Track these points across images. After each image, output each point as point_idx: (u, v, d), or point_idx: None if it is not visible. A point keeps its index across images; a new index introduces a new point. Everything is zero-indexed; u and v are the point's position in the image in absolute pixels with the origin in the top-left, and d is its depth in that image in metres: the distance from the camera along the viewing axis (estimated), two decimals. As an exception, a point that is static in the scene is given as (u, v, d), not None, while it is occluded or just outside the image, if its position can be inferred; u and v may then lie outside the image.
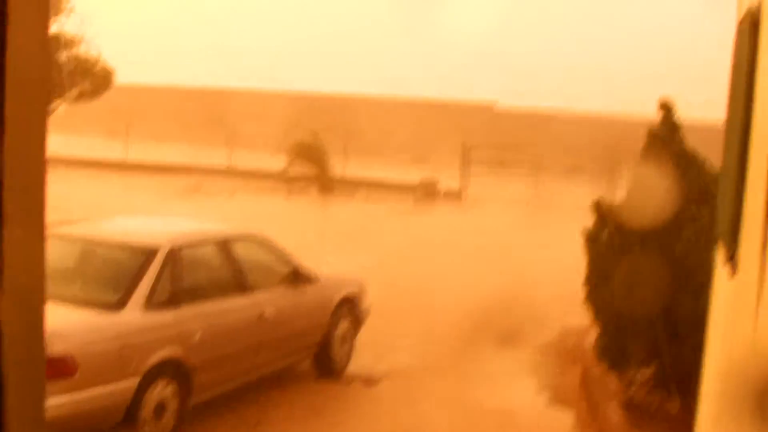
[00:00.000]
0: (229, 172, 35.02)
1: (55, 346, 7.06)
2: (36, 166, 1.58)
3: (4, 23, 1.47)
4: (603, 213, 9.83)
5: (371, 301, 11.69)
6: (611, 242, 9.65)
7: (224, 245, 9.88)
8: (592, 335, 10.62)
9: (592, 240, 9.90)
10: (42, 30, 1.58)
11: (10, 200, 1.50)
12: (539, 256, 19.04)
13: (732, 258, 4.84)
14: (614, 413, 9.17)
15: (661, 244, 9.14)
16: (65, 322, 7.65)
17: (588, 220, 10.00)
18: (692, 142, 9.77)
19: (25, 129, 1.54)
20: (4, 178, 1.48)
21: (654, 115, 9.94)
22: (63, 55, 25.11)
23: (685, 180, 9.39)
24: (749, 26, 4.77)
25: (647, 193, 9.55)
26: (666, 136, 9.72)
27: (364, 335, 11.55)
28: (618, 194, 10.62)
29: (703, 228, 8.83)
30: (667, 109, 9.85)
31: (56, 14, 24.52)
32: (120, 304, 8.23)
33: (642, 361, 9.33)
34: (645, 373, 9.43)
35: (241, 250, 10.06)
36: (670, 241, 9.12)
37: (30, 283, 1.58)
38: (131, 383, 7.93)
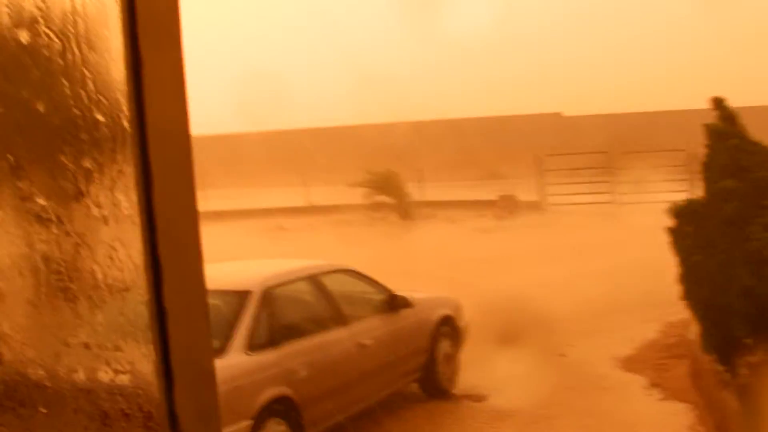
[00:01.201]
0: (307, 210, 35.22)
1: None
2: (189, 214, 1.60)
3: (140, 71, 1.50)
4: (681, 212, 9.83)
5: (468, 318, 11.65)
6: (694, 238, 9.62)
7: (315, 280, 9.94)
8: (693, 329, 10.50)
9: (677, 238, 9.87)
10: (178, 75, 1.61)
11: (165, 254, 1.52)
12: (627, 257, 18.82)
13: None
14: (730, 402, 9.02)
15: (739, 233, 9.05)
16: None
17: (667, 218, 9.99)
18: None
19: (174, 180, 1.57)
20: (158, 232, 1.50)
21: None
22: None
23: (753, 168, 9.34)
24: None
25: (722, 187, 9.49)
26: (725, 131, 9.69)
27: (467, 353, 11.51)
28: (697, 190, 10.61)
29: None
30: (719, 105, 9.84)
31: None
32: (221, 350, 8.29)
33: (749, 347, 9.21)
34: (754, 359, 9.29)
35: (332, 284, 10.12)
36: (743, 229, 9.05)
37: (195, 335, 1.60)
38: (244, 426, 7.99)
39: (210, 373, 1.65)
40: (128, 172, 1.51)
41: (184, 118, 1.61)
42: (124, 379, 1.54)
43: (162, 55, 1.55)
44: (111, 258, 1.54)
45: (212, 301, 9.11)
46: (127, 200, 1.51)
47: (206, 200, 34.61)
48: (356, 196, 32.55)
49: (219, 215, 35.24)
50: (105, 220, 1.52)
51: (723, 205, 9.22)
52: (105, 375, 1.55)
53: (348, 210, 32.54)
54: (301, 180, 38.54)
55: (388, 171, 32.66)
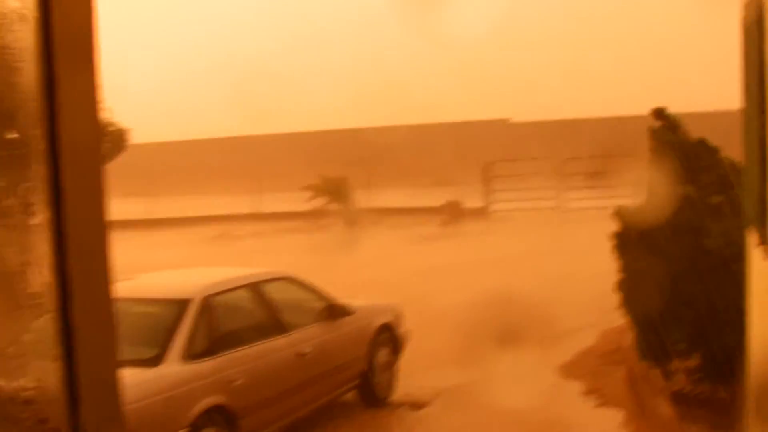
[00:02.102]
0: (254, 217, 35.13)
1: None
2: (98, 229, 1.59)
3: (54, 92, 1.49)
4: (627, 218, 9.88)
5: (409, 325, 11.69)
6: (639, 245, 9.68)
7: (256, 288, 9.91)
8: (630, 336, 10.61)
9: (621, 244, 9.93)
10: (92, 92, 1.60)
11: (74, 265, 1.52)
12: (570, 265, 18.97)
13: (764, 242, 4.82)
14: (663, 408, 9.14)
15: (689, 239, 9.16)
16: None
17: (612, 226, 10.04)
18: (703, 130, 9.85)
19: (83, 194, 1.56)
20: (69, 244, 1.50)
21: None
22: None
23: (701, 172, 9.44)
24: (756, 19, 4.78)
25: (665, 192, 9.59)
26: (668, 137, 9.79)
27: (405, 360, 11.54)
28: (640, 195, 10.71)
29: (729, 217, 8.86)
30: (661, 115, 9.95)
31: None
32: (158, 359, 8.25)
33: (684, 353, 9.33)
34: (689, 365, 9.42)
35: (273, 292, 10.09)
36: (698, 234, 9.15)
37: (101, 349, 1.59)
38: (179, 435, 7.95)
39: (114, 386, 1.65)
40: (40, 189, 1.50)
41: (96, 135, 1.61)
42: (31, 393, 1.54)
43: (77, 72, 1.55)
44: (22, 273, 1.54)
45: (152, 309, 9.10)
46: (37, 217, 1.51)
47: (155, 207, 34.47)
48: (304, 203, 32.52)
49: (166, 222, 35.08)
50: (16, 235, 1.52)
51: (671, 211, 9.29)
52: (11, 388, 1.55)
53: (295, 217, 32.55)
54: (250, 187, 38.44)
55: (336, 178, 32.69)
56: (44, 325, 1.53)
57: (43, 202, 1.51)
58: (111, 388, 1.62)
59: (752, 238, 5.44)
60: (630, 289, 9.82)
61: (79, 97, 1.56)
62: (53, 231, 1.50)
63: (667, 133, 9.92)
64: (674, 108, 10.18)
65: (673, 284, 9.11)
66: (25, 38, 1.50)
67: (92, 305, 1.59)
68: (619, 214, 9.99)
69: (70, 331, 1.51)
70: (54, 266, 1.51)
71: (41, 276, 1.53)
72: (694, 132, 9.92)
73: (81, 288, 1.53)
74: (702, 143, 9.79)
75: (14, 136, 1.51)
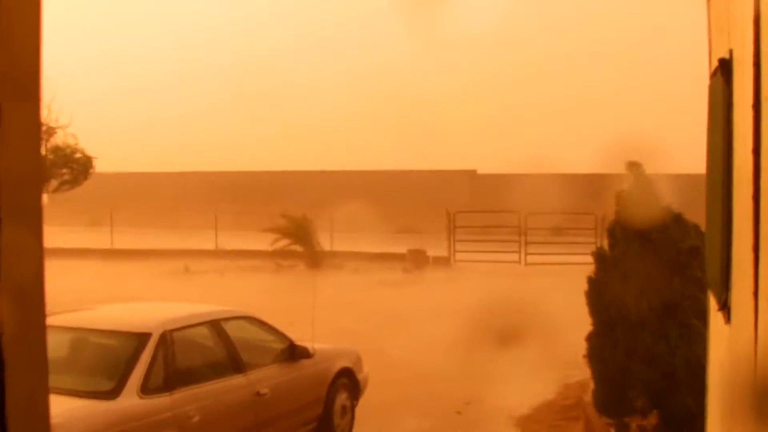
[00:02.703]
0: (217, 253, 35.01)
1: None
2: (34, 266, 1.58)
3: None
4: (605, 257, 10.00)
5: (368, 371, 11.67)
6: (609, 298, 9.77)
7: (216, 326, 9.87)
8: (590, 390, 10.64)
9: (593, 296, 10.02)
10: (34, 126, 1.60)
11: (6, 293, 1.51)
12: (532, 316, 19.00)
13: (724, 306, 4.87)
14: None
15: (649, 296, 9.27)
16: (59, 414, 7.58)
17: (577, 280, 10.12)
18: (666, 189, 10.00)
19: (22, 232, 1.55)
20: (2, 269, 1.49)
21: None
22: (42, 146, 25.17)
23: (665, 233, 9.58)
24: (722, 76, 4.85)
25: (631, 251, 9.71)
26: (638, 195, 9.93)
27: (362, 405, 11.50)
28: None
29: (691, 278, 9.00)
30: (635, 169, 10.08)
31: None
32: (115, 392, 8.18)
33: (642, 410, 9.38)
34: (647, 423, 9.45)
35: (232, 330, 10.05)
36: (660, 292, 9.25)
37: (33, 385, 1.58)
38: (131, 470, 7.87)
39: (46, 423, 1.64)
40: None
41: (37, 170, 1.60)
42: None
43: (19, 106, 1.54)
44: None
45: (110, 341, 9.04)
46: None
47: (114, 239, 34.22)
48: (266, 242, 32.42)
49: (128, 254, 34.85)
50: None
51: (639, 269, 9.40)
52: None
53: (257, 256, 32.44)
54: (211, 223, 38.31)
55: (300, 219, 32.63)
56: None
57: None
58: (43, 426, 1.62)
59: (713, 302, 5.49)
60: (596, 341, 9.89)
61: (21, 131, 1.55)
62: None
63: (637, 188, 10.04)
64: (650, 168, 10.30)
65: (635, 341, 9.19)
66: None
67: (26, 343, 1.58)
68: (598, 254, 10.10)
69: (1, 369, 1.50)
70: None
71: None
72: (670, 192, 10.06)
73: (14, 326, 1.52)
74: (667, 207, 9.94)
75: None
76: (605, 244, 10.58)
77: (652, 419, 9.37)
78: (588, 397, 11.20)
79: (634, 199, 9.97)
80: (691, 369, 8.40)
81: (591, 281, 10.08)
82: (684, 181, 11.22)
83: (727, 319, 4.77)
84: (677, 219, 9.84)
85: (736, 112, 4.53)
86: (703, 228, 9.36)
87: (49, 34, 1.58)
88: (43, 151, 24.92)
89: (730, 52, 4.80)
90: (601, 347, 9.75)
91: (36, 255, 1.60)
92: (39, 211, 1.59)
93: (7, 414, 1.52)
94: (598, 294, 9.97)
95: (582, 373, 11.01)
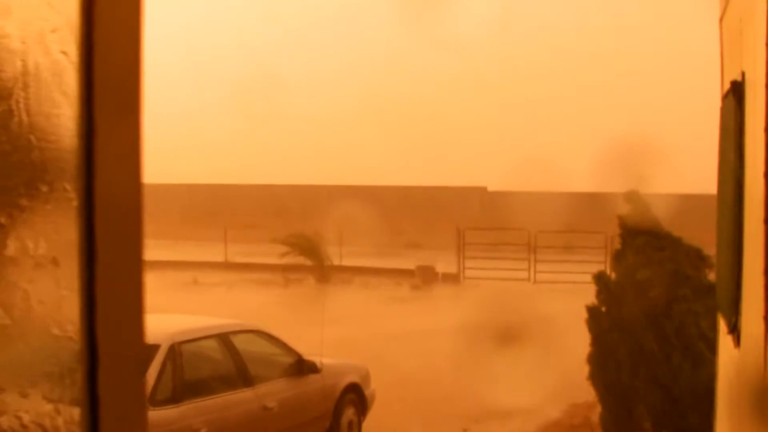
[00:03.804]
0: (226, 266, 35.00)
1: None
2: (133, 296, 1.57)
3: (92, 140, 1.45)
4: (607, 284, 10.02)
5: (375, 386, 11.65)
6: (611, 321, 9.79)
7: (225, 339, 9.87)
8: (598, 410, 10.63)
9: (594, 318, 10.02)
10: (134, 142, 1.56)
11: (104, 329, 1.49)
12: (540, 334, 18.95)
13: (734, 329, 4.86)
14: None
15: (655, 320, 9.29)
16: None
17: (585, 298, 10.13)
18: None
19: (121, 242, 1.54)
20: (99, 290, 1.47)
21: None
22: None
23: (666, 258, 9.63)
24: (734, 98, 4.86)
25: (635, 275, 9.75)
26: (637, 223, 9.99)
27: (369, 421, 11.48)
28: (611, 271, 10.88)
29: (690, 302, 9.08)
30: (634, 200, 10.15)
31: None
32: (123, 403, 8.18)
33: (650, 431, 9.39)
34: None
35: (241, 344, 10.06)
36: (662, 317, 9.29)
37: (127, 388, 1.56)
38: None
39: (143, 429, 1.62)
40: (72, 242, 1.46)
41: (137, 188, 1.55)
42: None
43: (118, 123, 1.49)
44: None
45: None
46: (68, 273, 1.45)
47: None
48: (275, 255, 32.41)
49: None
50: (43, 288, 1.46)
51: (641, 293, 9.44)
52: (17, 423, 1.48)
53: (265, 269, 32.40)
54: (221, 235, 38.31)
55: (310, 233, 32.61)
56: (69, 359, 1.49)
57: (75, 257, 1.47)
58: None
59: (723, 326, 5.48)
60: (599, 363, 9.90)
61: (120, 148, 1.50)
62: (83, 290, 1.46)
63: (636, 215, 10.11)
64: (657, 189, 10.38)
65: (639, 363, 9.20)
66: (66, 83, 1.45)
67: (121, 342, 1.56)
68: (598, 278, 10.14)
69: (95, 367, 1.48)
70: (83, 330, 1.47)
71: (71, 343, 1.48)
72: (674, 214, 10.13)
73: (109, 353, 1.50)
74: (668, 233, 10.02)
75: (43, 188, 1.44)
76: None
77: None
78: (595, 417, 11.19)
79: (634, 224, 10.03)
80: (696, 390, 8.41)
81: (590, 308, 10.13)
82: (692, 201, 11.26)
83: (737, 342, 4.76)
84: (676, 243, 9.91)
85: (748, 135, 4.54)
86: (704, 251, 9.47)
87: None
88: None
89: (742, 74, 4.81)
90: (604, 369, 9.76)
91: (136, 269, 1.58)
92: (139, 226, 1.57)
93: (101, 419, 1.50)
94: (598, 319, 10.00)
95: (589, 393, 10.98)
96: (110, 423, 1.50)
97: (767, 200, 3.68)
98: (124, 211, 1.54)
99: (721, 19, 6.61)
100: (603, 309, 10.00)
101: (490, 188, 46.48)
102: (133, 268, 1.58)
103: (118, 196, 1.52)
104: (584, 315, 10.22)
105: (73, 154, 1.44)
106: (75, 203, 1.45)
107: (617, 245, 10.73)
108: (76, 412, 1.47)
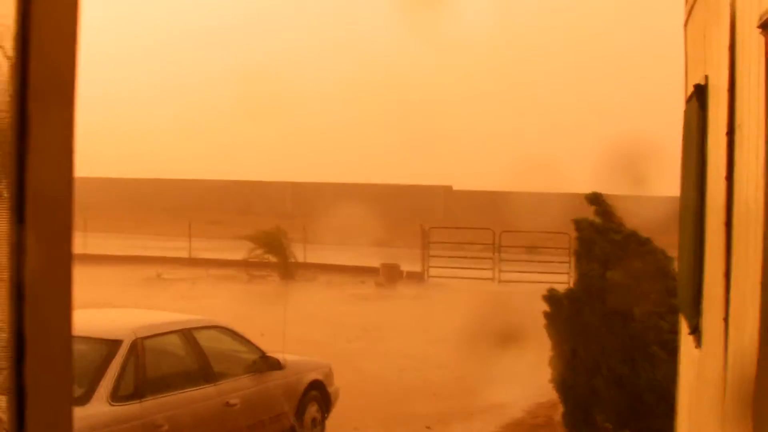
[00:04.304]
0: (190, 261, 34.86)
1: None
2: (62, 284, 1.58)
3: (26, 132, 1.46)
4: (557, 300, 10.07)
5: (339, 384, 11.66)
6: (570, 326, 9.84)
7: (187, 335, 9.83)
8: (560, 410, 10.69)
9: (554, 323, 10.08)
10: (67, 136, 1.57)
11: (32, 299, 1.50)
12: (503, 334, 19.02)
13: (695, 330, 4.91)
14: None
15: (615, 322, 9.36)
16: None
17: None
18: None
19: (51, 228, 1.55)
20: (26, 301, 1.48)
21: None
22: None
23: (629, 260, 9.68)
24: (698, 101, 4.91)
25: (596, 276, 9.80)
26: (600, 226, 10.04)
27: (333, 418, 11.49)
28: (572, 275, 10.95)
29: (654, 303, 9.13)
30: (597, 202, 10.20)
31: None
32: (84, 398, 8.13)
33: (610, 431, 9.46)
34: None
35: (204, 340, 10.02)
36: (624, 318, 9.35)
37: (55, 384, 1.57)
38: (99, 478, 7.83)
39: (68, 425, 1.63)
40: (2, 233, 1.47)
41: (69, 182, 1.56)
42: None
43: (52, 118, 1.51)
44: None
45: (81, 347, 8.96)
46: None
47: (88, 243, 34.14)
48: (239, 251, 32.31)
49: (100, 259, 34.62)
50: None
51: (603, 294, 9.49)
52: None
53: (230, 265, 32.33)
54: (185, 230, 38.15)
55: (275, 229, 32.50)
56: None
57: (5, 249, 1.48)
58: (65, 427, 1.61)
59: (684, 326, 5.54)
60: (560, 365, 9.95)
61: (53, 141, 1.53)
62: (13, 280, 1.48)
63: (599, 217, 10.16)
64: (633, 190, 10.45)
65: (602, 365, 9.26)
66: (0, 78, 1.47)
67: (49, 362, 1.57)
68: (551, 295, 10.18)
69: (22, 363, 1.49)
70: (11, 320, 1.49)
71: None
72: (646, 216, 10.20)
73: (36, 343, 1.51)
74: (633, 234, 10.05)
75: None
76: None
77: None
78: (558, 417, 11.26)
79: (594, 228, 10.08)
80: (655, 391, 8.49)
81: (548, 315, 10.18)
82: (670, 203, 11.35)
83: (698, 343, 4.81)
84: (643, 244, 9.95)
85: (710, 139, 4.58)
86: (668, 253, 9.54)
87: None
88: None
89: (706, 78, 4.86)
90: (568, 371, 9.82)
91: (65, 263, 1.59)
92: (69, 220, 1.58)
93: (27, 421, 1.51)
94: (556, 325, 10.07)
95: (552, 392, 11.04)
96: (36, 411, 1.51)
97: (728, 204, 3.72)
98: (55, 204, 1.56)
99: (685, 24, 6.67)
100: (563, 314, 10.05)
101: (456, 187, 46.56)
102: (63, 261, 1.59)
103: (50, 190, 1.54)
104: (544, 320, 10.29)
105: (5, 148, 1.45)
106: (6, 195, 1.47)
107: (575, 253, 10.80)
108: (2, 400, 1.49)
